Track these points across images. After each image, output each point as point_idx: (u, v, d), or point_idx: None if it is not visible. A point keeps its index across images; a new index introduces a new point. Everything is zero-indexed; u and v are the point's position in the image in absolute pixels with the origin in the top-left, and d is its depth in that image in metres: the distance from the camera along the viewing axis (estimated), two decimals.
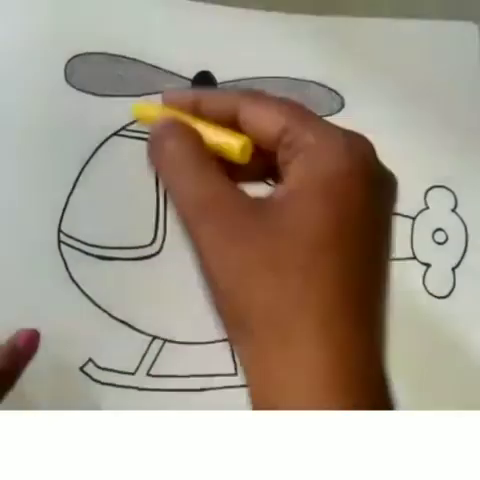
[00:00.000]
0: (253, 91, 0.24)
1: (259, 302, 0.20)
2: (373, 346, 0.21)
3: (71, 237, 0.32)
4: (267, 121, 0.22)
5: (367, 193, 0.21)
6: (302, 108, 0.22)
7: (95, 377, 0.31)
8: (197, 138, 0.24)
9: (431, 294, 0.35)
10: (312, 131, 0.21)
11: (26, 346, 0.30)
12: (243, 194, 0.22)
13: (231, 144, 0.23)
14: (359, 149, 0.21)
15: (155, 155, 0.24)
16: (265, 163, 0.23)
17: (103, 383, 0.31)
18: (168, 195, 0.23)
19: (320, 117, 0.22)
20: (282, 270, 0.20)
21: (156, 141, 0.24)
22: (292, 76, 0.35)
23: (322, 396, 0.20)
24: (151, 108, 0.26)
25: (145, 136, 0.32)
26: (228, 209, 0.22)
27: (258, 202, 0.22)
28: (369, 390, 0.20)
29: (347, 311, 0.20)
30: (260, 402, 0.21)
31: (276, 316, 0.20)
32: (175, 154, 0.23)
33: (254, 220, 0.21)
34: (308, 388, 0.20)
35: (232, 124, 0.24)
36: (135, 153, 0.33)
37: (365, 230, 0.21)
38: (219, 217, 0.22)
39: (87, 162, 0.32)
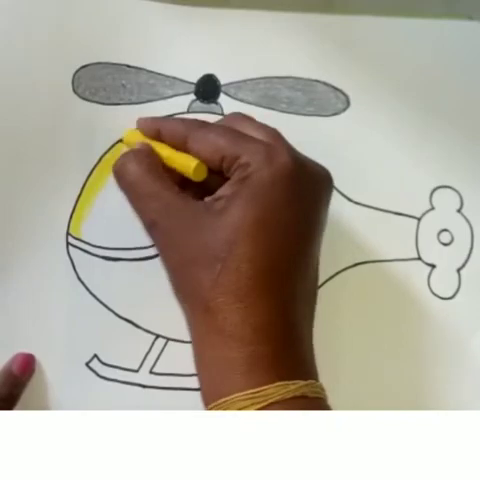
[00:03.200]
0: (199, 123, 0.30)
1: (192, 289, 0.27)
2: (287, 319, 0.27)
3: (78, 239, 0.33)
4: (208, 152, 0.28)
5: (283, 196, 0.27)
6: (236, 134, 0.28)
7: (100, 373, 0.33)
8: (152, 160, 0.30)
9: (436, 295, 0.35)
10: (243, 153, 0.27)
11: (22, 372, 0.31)
12: (189, 204, 0.28)
13: (187, 165, 0.29)
14: (277, 161, 0.27)
15: (118, 179, 0.30)
16: (221, 178, 0.29)
17: (108, 379, 0.33)
18: (131, 207, 0.30)
19: (251, 138, 0.28)
20: (209, 263, 0.26)
21: (119, 167, 0.30)
22: (297, 75, 0.35)
23: (236, 354, 0.25)
24: (136, 134, 0.32)
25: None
26: (172, 220, 0.28)
27: (201, 209, 0.28)
28: (283, 356, 0.26)
29: (260, 293, 0.26)
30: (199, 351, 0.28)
31: (203, 298, 0.26)
32: (131, 176, 0.29)
33: (193, 226, 0.27)
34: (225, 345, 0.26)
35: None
36: None
37: (283, 225, 0.27)
38: (165, 228, 0.28)
39: (93, 168, 0.33)
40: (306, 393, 0.25)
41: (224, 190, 0.28)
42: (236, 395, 0.25)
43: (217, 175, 0.29)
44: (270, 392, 0.25)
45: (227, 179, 0.29)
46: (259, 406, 0.25)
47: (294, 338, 0.27)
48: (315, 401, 0.26)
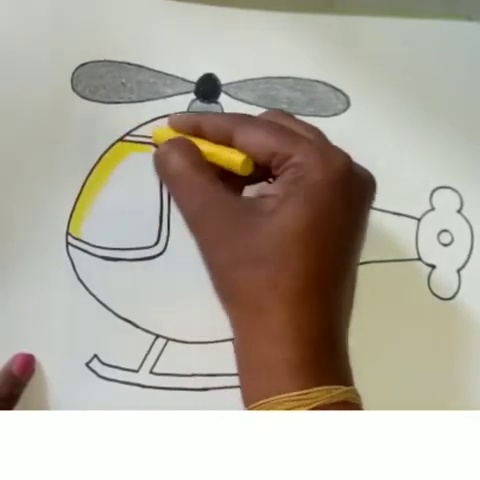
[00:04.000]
0: (245, 117, 0.29)
1: (239, 288, 0.26)
2: (330, 324, 0.26)
3: (78, 239, 0.33)
4: (257, 147, 0.27)
5: (338, 199, 0.26)
6: (286, 131, 0.28)
7: (101, 373, 0.33)
8: (195, 153, 0.29)
9: (436, 295, 0.35)
10: (295, 152, 0.27)
11: (22, 372, 0.31)
12: (235, 200, 0.28)
13: (234, 160, 0.28)
14: (332, 163, 0.26)
15: (160, 168, 0.29)
16: (264, 171, 0.28)
17: (108, 379, 0.33)
18: (172, 201, 0.30)
19: (302, 137, 0.28)
20: (259, 264, 0.26)
21: (161, 156, 0.29)
22: (297, 76, 0.35)
23: (281, 355, 0.25)
24: (167, 132, 0.31)
25: (148, 140, 0.33)
26: (217, 215, 0.27)
27: (248, 206, 0.27)
28: (325, 360, 0.26)
29: (309, 295, 0.26)
30: (241, 352, 0.27)
31: (251, 298, 0.26)
32: (176, 167, 0.28)
33: (240, 224, 0.26)
34: (274, 348, 0.25)
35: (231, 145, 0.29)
36: (139, 157, 0.33)
37: (335, 229, 0.26)
38: (209, 223, 0.27)
39: (93, 167, 0.33)
40: (348, 398, 0.25)
41: (274, 189, 0.27)
42: (281, 396, 0.25)
43: (260, 169, 0.29)
44: (314, 396, 0.25)
45: (270, 175, 0.28)
46: (304, 409, 0.24)
47: (335, 343, 0.26)
48: (355, 407, 0.26)
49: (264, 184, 0.29)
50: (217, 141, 0.29)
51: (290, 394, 0.25)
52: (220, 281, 0.27)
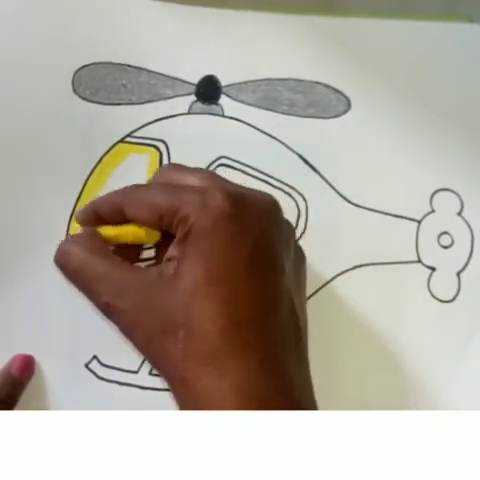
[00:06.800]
0: (132, 188, 0.28)
1: (160, 361, 0.26)
2: (254, 365, 0.25)
3: None
4: (145, 215, 0.27)
5: (231, 239, 0.25)
6: (172, 188, 0.27)
7: (100, 374, 0.33)
8: (95, 241, 0.28)
9: (436, 298, 0.35)
10: (180, 206, 0.26)
11: (21, 374, 0.31)
12: (143, 274, 0.27)
13: (138, 235, 0.28)
14: (211, 203, 0.25)
15: (62, 267, 0.28)
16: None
17: (108, 380, 0.33)
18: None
19: (187, 188, 0.26)
20: (171, 333, 0.25)
21: (60, 254, 0.29)
22: (298, 77, 0.35)
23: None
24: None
25: (149, 142, 0.33)
26: (130, 298, 0.26)
27: (156, 275, 0.26)
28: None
29: (228, 347, 0.24)
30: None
31: (173, 369, 0.25)
32: (77, 261, 0.28)
33: (151, 296, 0.26)
34: None
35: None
36: (139, 159, 0.34)
37: (236, 273, 0.25)
38: (123, 308, 0.26)
39: (94, 168, 0.33)
40: None
41: (172, 250, 0.26)
42: None
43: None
44: None
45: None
46: None
47: (282, 389, 0.25)
48: None
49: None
50: (117, 222, 0.28)
51: None
52: (147, 358, 0.27)
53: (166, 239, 0.28)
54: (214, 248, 0.25)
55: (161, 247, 0.29)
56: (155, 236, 0.28)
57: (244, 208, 0.26)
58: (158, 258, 0.30)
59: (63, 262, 0.28)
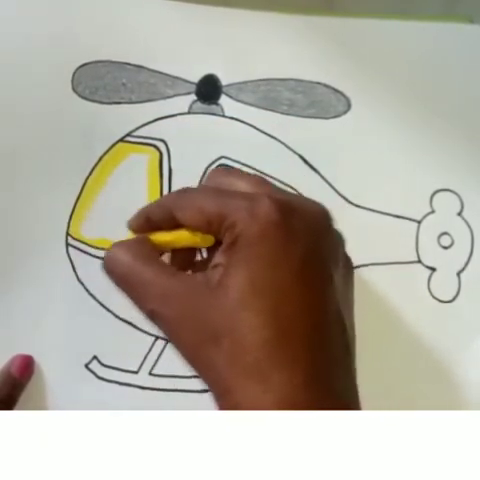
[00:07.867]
0: (181, 192, 0.28)
1: (205, 368, 0.25)
2: (299, 380, 0.24)
3: (78, 240, 0.33)
4: (194, 221, 0.26)
5: (279, 248, 0.24)
6: (220, 193, 0.26)
7: (100, 375, 0.33)
8: (142, 247, 0.27)
9: (436, 298, 0.35)
10: (228, 213, 0.25)
11: (21, 374, 0.31)
12: (189, 280, 0.26)
13: (194, 241, 0.27)
14: (259, 211, 0.24)
15: (109, 271, 0.28)
16: None
17: (108, 381, 0.33)
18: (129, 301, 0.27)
19: (236, 194, 0.26)
20: (217, 340, 0.24)
21: (107, 259, 0.28)
22: (298, 78, 0.35)
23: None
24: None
25: (149, 141, 0.33)
26: (176, 303, 0.26)
27: (202, 282, 0.25)
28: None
29: (272, 360, 0.23)
30: None
31: (217, 377, 0.24)
32: (123, 266, 0.27)
33: (197, 302, 0.25)
34: None
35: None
36: (139, 158, 0.33)
37: (283, 283, 0.24)
38: (169, 313, 0.26)
39: (93, 168, 0.33)
40: None
41: (218, 257, 0.26)
42: None
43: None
44: None
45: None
46: None
47: (327, 406, 0.24)
48: None
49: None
50: (169, 226, 0.28)
51: None
52: (192, 366, 0.26)
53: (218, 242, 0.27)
54: (261, 258, 0.24)
55: (211, 250, 0.28)
56: (210, 240, 0.28)
57: (293, 217, 0.25)
58: (207, 261, 0.29)
59: (110, 268, 0.27)
